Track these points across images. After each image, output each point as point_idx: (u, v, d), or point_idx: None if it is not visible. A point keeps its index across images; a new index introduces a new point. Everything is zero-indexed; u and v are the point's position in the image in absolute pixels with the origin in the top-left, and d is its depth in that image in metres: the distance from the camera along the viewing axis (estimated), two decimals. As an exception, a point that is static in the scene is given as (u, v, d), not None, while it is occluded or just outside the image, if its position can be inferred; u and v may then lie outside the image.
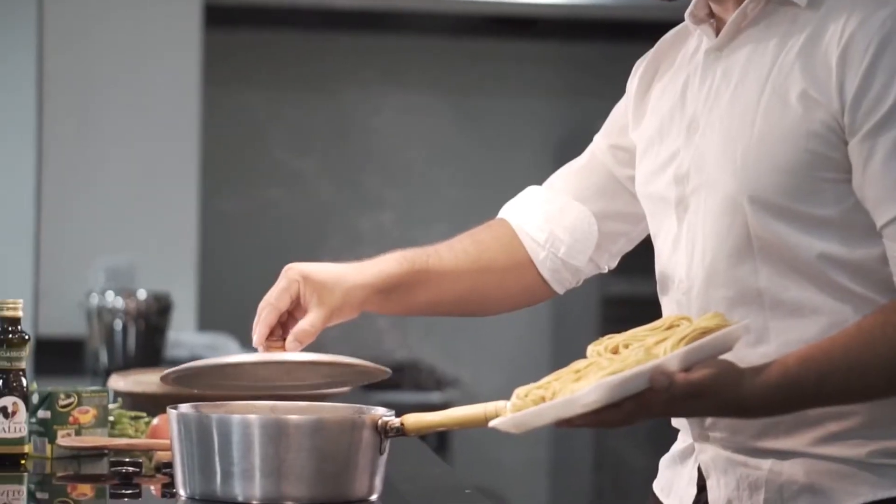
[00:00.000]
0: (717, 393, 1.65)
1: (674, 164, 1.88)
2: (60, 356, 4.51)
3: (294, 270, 1.99)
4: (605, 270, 2.13)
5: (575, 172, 2.11)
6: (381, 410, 1.86)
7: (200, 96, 4.88)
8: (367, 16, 5.63)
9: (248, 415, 1.84)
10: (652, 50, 2.03)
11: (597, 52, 6.02)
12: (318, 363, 1.92)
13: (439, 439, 5.31)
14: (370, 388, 4.52)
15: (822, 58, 1.74)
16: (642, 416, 1.65)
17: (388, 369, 1.96)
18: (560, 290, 2.11)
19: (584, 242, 2.07)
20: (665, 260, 1.91)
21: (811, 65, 1.75)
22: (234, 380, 1.98)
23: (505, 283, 2.09)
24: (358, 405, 1.93)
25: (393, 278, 2.03)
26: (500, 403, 1.77)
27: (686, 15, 1.91)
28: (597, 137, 2.10)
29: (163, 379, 1.94)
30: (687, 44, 1.96)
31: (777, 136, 1.75)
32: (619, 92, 2.09)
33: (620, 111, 2.07)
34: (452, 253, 2.07)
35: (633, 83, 2.03)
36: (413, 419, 1.84)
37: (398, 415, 1.86)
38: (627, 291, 5.30)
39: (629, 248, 2.12)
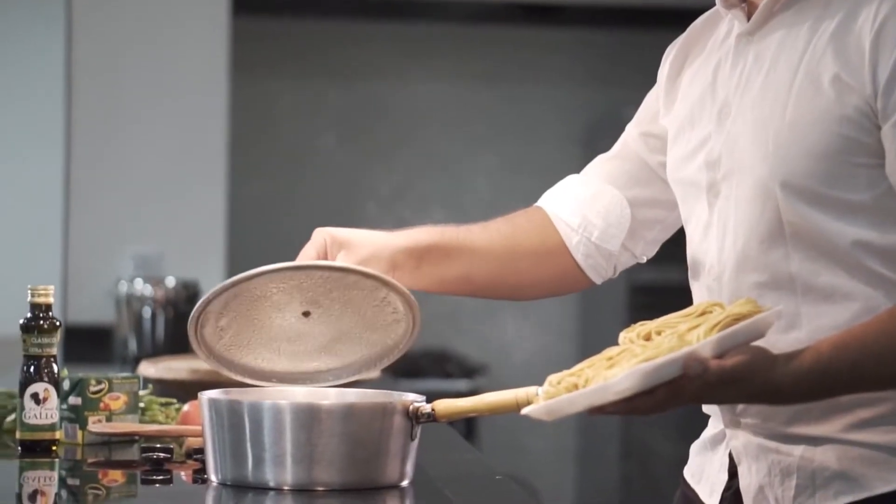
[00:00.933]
0: (751, 379, 1.65)
1: (705, 150, 1.87)
2: (89, 344, 4.52)
3: (322, 230, 2.00)
4: (643, 260, 2.12)
5: (607, 161, 2.11)
6: (412, 396, 1.86)
7: (228, 84, 4.88)
8: (393, 4, 5.62)
9: (280, 400, 1.84)
10: (682, 35, 2.02)
11: (625, 39, 6.01)
12: (339, 269, 1.91)
13: (467, 426, 5.32)
14: (398, 376, 4.51)
15: (854, 42, 1.73)
16: (675, 404, 1.65)
17: (414, 300, 1.95)
18: (596, 279, 2.10)
19: (617, 227, 2.06)
20: (696, 245, 1.90)
21: (844, 49, 1.73)
22: (265, 346, 1.98)
23: (539, 267, 2.09)
24: (389, 391, 1.94)
25: (422, 244, 2.03)
26: (531, 389, 1.77)
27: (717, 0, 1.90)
28: (629, 126, 2.10)
29: (190, 331, 1.95)
30: (717, 29, 1.95)
31: (809, 120, 1.74)
32: (648, 79, 2.08)
33: (652, 99, 2.06)
34: (486, 232, 2.07)
35: (663, 69, 2.03)
36: (444, 405, 1.84)
37: (427, 402, 1.86)
38: (655, 279, 5.29)
39: (664, 236, 2.10)
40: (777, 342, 1.73)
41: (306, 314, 1.96)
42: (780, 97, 1.78)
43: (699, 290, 1.90)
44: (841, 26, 1.75)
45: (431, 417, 1.83)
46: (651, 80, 2.07)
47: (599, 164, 2.11)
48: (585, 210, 2.08)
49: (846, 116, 1.73)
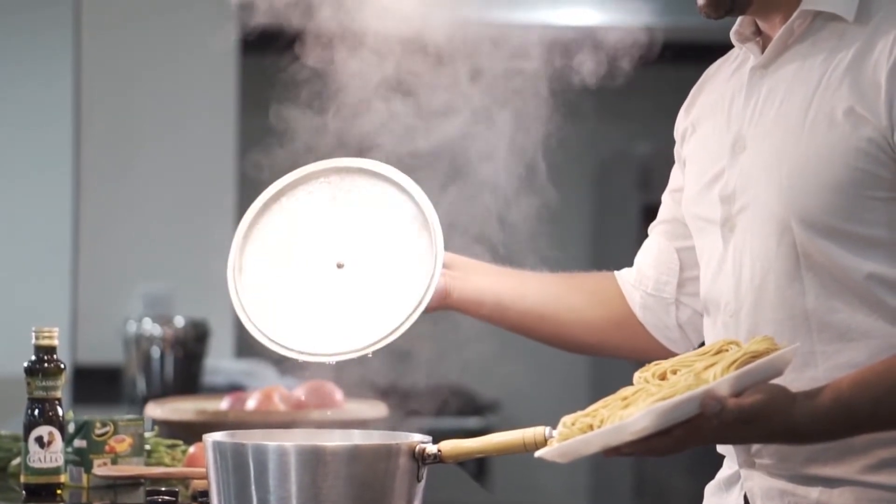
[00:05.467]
0: (769, 418, 1.62)
1: (719, 184, 1.85)
2: (98, 384, 4.51)
3: None
4: None
5: (653, 226, 2.08)
6: (417, 437, 1.84)
7: (237, 122, 4.88)
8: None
9: (284, 442, 1.82)
10: (699, 80, 2.00)
11: (638, 74, 5.99)
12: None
13: (478, 465, 5.29)
14: (409, 414, 4.48)
15: (870, 74, 1.71)
16: (692, 443, 1.62)
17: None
18: (664, 340, 2.04)
19: (668, 273, 2.02)
20: (709, 281, 1.88)
21: (859, 81, 1.71)
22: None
23: (595, 310, 2.06)
24: (394, 432, 1.91)
25: (467, 258, 2.05)
26: (538, 430, 1.75)
27: (731, 34, 1.88)
28: (665, 192, 2.08)
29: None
30: (729, 63, 1.93)
31: (823, 153, 1.72)
32: (661, 115, 2.07)
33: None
34: (538, 272, 2.07)
35: (680, 114, 2.00)
36: (450, 446, 1.81)
37: (437, 441, 1.83)
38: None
39: None
40: (793, 381, 1.70)
41: (340, 266, 1.99)
42: (794, 130, 1.76)
43: (713, 327, 1.88)
44: (856, 58, 1.73)
45: (438, 458, 1.81)
46: (663, 115, 2.06)
47: (652, 227, 2.09)
48: (639, 265, 2.06)
49: (861, 149, 1.71)
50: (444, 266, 2.00)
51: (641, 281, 2.04)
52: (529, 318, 2.06)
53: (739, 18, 1.87)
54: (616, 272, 2.10)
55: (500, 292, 2.04)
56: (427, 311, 1.97)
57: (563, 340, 2.09)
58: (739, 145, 1.83)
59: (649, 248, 2.06)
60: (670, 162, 2.06)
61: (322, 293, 2.00)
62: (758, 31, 1.86)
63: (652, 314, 2.03)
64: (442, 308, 2.04)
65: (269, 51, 6.05)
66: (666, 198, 2.06)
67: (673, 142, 2.03)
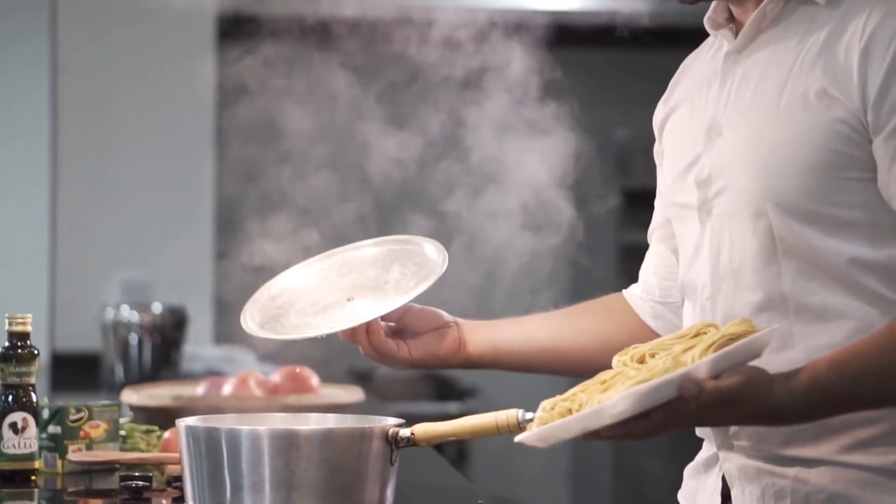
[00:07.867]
0: (748, 400, 1.62)
1: (695, 169, 1.85)
2: (77, 371, 4.50)
3: None
4: None
5: (652, 232, 2.07)
6: (391, 421, 1.84)
7: (215, 110, 4.87)
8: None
9: (258, 427, 1.82)
10: (677, 72, 2.00)
11: (618, 59, 5.99)
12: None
13: (458, 450, 5.29)
14: (387, 399, 4.47)
15: (842, 56, 1.71)
16: (671, 426, 1.62)
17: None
18: None
19: (668, 278, 2.01)
20: (687, 265, 1.88)
21: (831, 63, 1.72)
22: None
23: (606, 326, 2.05)
24: (368, 416, 1.91)
25: (470, 320, 2.06)
26: (511, 412, 1.75)
27: (705, 20, 1.88)
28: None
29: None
30: (705, 52, 1.93)
31: (798, 135, 1.72)
32: (641, 99, 2.06)
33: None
34: (544, 312, 2.08)
35: (658, 107, 2.00)
36: (423, 429, 1.81)
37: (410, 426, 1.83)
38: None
39: None
40: (770, 362, 1.70)
41: (350, 300, 2.00)
42: (769, 113, 1.76)
43: (692, 311, 1.88)
44: (828, 40, 1.74)
45: (411, 442, 1.81)
46: (641, 102, 2.06)
47: (650, 232, 2.08)
48: (643, 275, 2.06)
49: (834, 130, 1.71)
50: (455, 324, 2.03)
51: (648, 291, 2.04)
52: (545, 353, 2.07)
53: (713, 4, 1.87)
54: (624, 290, 2.10)
55: (510, 338, 2.06)
56: (443, 367, 2.03)
57: (583, 366, 2.07)
58: (715, 130, 1.83)
59: (650, 256, 2.06)
60: (648, 147, 2.05)
61: (327, 312, 2.01)
62: (731, 18, 1.86)
63: (664, 321, 2.03)
64: (457, 365, 2.05)
65: (246, 42, 6.05)
66: (657, 203, 2.06)
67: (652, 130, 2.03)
